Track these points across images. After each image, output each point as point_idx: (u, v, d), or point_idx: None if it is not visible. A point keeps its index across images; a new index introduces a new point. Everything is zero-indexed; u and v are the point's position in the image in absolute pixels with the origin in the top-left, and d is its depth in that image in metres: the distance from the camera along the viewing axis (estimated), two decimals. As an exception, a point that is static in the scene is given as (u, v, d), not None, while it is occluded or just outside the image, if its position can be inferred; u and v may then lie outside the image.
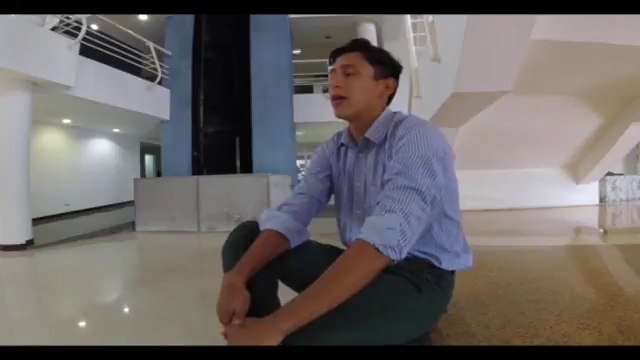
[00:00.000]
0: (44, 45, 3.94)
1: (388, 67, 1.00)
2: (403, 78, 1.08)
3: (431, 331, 1.10)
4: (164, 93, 6.29)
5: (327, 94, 1.02)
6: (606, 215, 5.04)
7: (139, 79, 5.93)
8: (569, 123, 4.48)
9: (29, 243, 3.93)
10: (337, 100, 0.97)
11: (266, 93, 6.31)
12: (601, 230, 4.19)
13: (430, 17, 3.21)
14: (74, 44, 4.25)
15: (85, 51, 4.56)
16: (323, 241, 1.11)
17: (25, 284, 2.72)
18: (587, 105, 4.28)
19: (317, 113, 6.67)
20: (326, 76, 1.03)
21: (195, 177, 5.08)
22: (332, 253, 1.01)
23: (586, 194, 5.55)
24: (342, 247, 1.08)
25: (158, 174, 12.70)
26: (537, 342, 1.18)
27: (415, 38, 4.13)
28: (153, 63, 5.91)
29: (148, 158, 13.39)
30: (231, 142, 6.16)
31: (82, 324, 1.81)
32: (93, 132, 8.37)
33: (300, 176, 7.50)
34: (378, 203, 0.82)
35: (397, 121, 0.96)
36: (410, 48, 4.15)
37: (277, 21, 6.40)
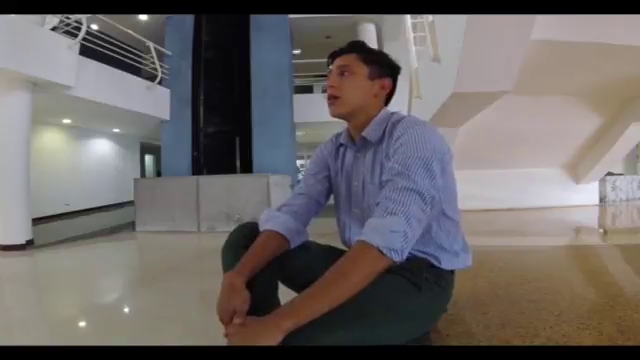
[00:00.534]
0: (44, 45, 3.93)
1: (384, 67, 1.01)
2: (403, 78, 1.09)
3: (431, 331, 1.10)
4: (164, 93, 6.29)
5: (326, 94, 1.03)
6: (606, 215, 5.04)
7: (139, 79, 5.93)
8: (569, 123, 4.47)
9: (29, 243, 3.93)
10: (332, 99, 0.98)
11: (266, 93, 6.31)
12: (601, 230, 4.19)
13: (430, 17, 3.21)
14: (74, 44, 4.25)
15: (85, 51, 4.56)
16: (322, 241, 1.11)
17: (25, 284, 2.72)
18: (587, 105, 4.28)
19: (317, 113, 6.63)
20: (326, 76, 1.03)
21: (195, 177, 5.08)
22: (332, 254, 1.02)
23: (586, 194, 5.54)
24: (341, 247, 1.08)
25: (158, 174, 12.69)
26: (537, 342, 1.18)
27: (415, 38, 4.13)
28: (153, 63, 5.91)
29: (148, 158, 13.38)
30: (231, 142, 6.15)
31: (82, 324, 1.81)
32: (93, 132, 8.37)
33: (300, 176, 7.50)
34: (378, 204, 0.82)
35: (395, 121, 0.96)
36: (410, 48, 4.15)
37: (277, 21, 6.40)
